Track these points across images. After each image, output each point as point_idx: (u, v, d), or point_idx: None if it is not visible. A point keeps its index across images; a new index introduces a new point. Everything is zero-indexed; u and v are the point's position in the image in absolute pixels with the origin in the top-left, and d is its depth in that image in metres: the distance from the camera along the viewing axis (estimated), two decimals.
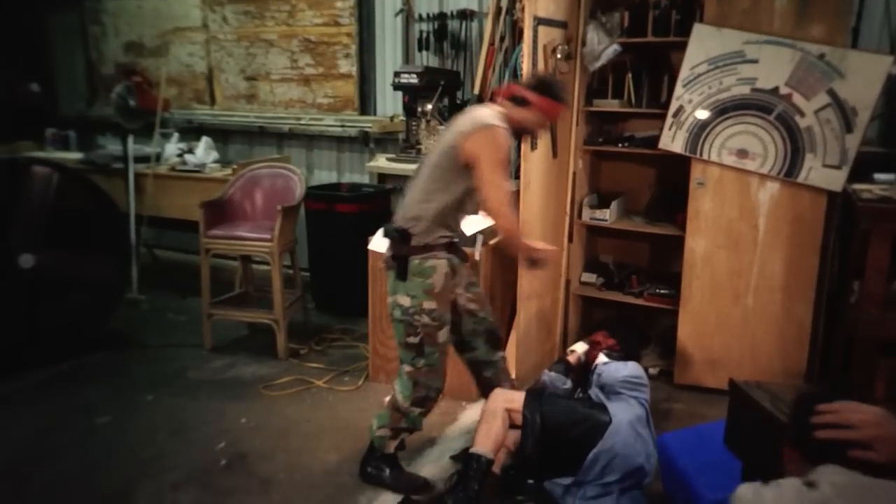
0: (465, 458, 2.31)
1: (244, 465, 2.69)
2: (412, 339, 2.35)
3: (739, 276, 3.23)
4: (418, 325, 2.33)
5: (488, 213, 2.36)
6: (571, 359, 2.82)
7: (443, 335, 2.39)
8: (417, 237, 2.32)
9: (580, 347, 2.86)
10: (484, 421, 2.36)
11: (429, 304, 2.32)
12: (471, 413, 3.12)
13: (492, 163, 2.22)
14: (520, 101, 2.38)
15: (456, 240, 2.45)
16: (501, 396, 2.43)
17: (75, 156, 4.97)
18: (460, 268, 2.48)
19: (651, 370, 3.50)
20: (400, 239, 2.33)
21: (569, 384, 2.72)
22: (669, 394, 3.35)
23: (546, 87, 2.41)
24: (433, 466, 2.70)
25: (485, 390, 2.70)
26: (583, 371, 2.74)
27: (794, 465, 1.37)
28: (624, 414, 2.39)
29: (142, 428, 2.96)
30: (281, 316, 3.65)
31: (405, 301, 2.34)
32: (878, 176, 2.98)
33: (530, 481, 2.43)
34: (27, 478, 2.59)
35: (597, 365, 2.66)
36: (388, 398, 2.54)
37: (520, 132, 2.47)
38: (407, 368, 2.41)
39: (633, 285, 3.69)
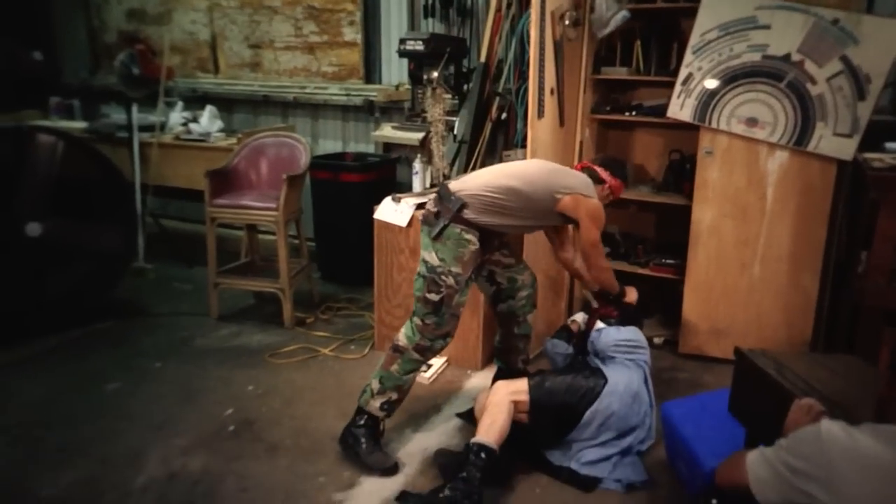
0: (467, 447, 2.28)
1: (251, 431, 2.72)
2: (432, 296, 2.41)
3: (746, 245, 3.22)
4: (443, 284, 2.39)
5: (591, 268, 2.68)
6: (573, 327, 2.86)
7: (458, 298, 2.44)
8: (470, 212, 2.42)
9: (580, 317, 2.91)
10: (488, 413, 2.34)
11: (456, 269, 2.40)
12: (475, 381, 3.14)
13: (596, 229, 2.55)
14: (597, 180, 2.67)
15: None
16: (505, 388, 2.42)
17: (79, 125, 4.95)
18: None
19: (656, 339, 3.51)
20: (454, 206, 2.40)
21: (570, 350, 2.76)
22: (674, 363, 3.36)
23: (616, 167, 2.77)
24: (438, 433, 2.73)
25: (504, 352, 2.82)
26: (583, 338, 2.76)
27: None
28: (619, 376, 2.45)
29: (150, 394, 3.00)
30: (287, 285, 3.67)
31: (433, 259, 2.42)
32: (890, 145, 2.94)
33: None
34: (38, 442, 2.63)
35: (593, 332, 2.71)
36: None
37: None
38: (417, 321, 2.46)
39: (639, 255, 3.69)
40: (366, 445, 2.47)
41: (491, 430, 2.29)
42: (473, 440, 2.28)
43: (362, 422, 2.51)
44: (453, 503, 2.14)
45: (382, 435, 2.57)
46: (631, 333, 2.65)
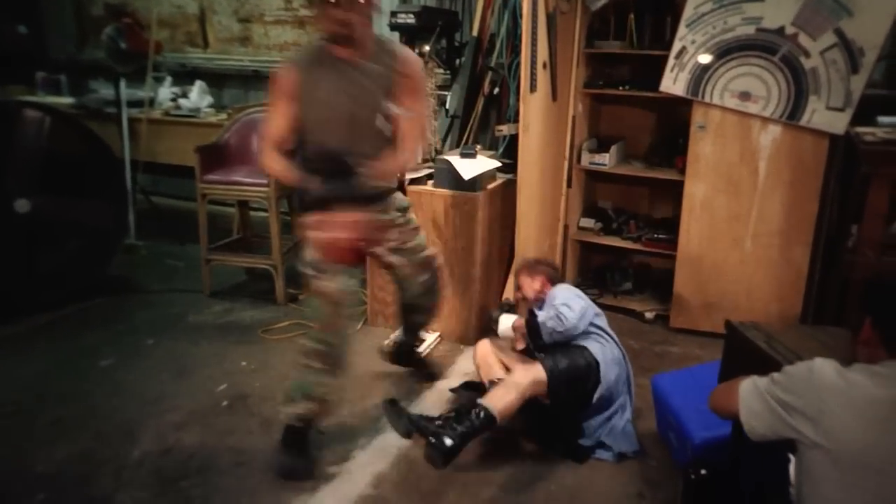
0: (475, 405, 2.24)
1: (245, 406, 2.73)
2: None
3: (738, 220, 3.23)
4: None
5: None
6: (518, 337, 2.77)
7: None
8: None
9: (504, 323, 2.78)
10: (507, 388, 2.29)
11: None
12: (468, 356, 3.16)
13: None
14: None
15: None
16: (526, 376, 2.32)
17: (67, 100, 4.89)
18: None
19: (648, 314, 3.54)
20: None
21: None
22: (665, 337, 3.39)
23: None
24: (431, 408, 2.75)
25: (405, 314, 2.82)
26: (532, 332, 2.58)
27: (869, 348, 1.39)
28: (597, 350, 2.42)
29: (144, 370, 3.00)
30: (279, 261, 3.66)
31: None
32: (882, 119, 2.94)
33: None
34: (32, 418, 2.64)
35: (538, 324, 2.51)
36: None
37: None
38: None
39: (631, 230, 3.69)
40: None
41: (502, 403, 2.24)
42: (483, 402, 2.24)
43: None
44: (432, 434, 2.17)
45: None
46: (567, 296, 2.54)
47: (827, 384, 1.33)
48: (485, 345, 2.70)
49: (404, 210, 2.53)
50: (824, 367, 1.36)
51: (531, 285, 2.74)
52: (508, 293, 3.24)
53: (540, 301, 2.67)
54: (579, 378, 2.35)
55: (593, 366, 2.37)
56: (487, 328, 2.95)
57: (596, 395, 2.38)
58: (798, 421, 1.35)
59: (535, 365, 2.36)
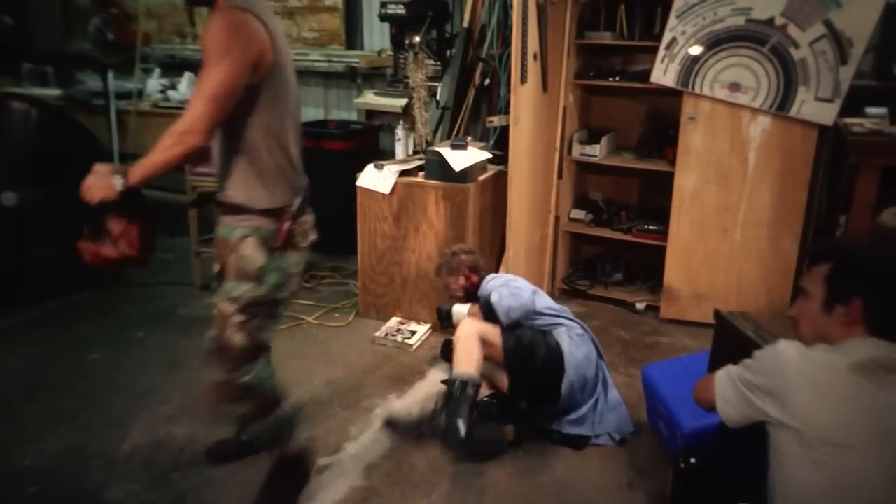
0: (450, 382, 2.31)
1: None
2: None
3: (728, 211, 3.24)
4: None
5: None
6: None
7: None
8: None
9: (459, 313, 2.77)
10: (462, 346, 2.36)
11: None
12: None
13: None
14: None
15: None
16: (472, 325, 2.44)
17: (54, 92, 4.84)
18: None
19: (638, 305, 3.55)
20: None
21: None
22: (656, 328, 3.40)
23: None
24: (422, 399, 2.75)
25: None
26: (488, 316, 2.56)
27: (838, 328, 1.41)
28: (564, 342, 2.42)
29: (134, 363, 2.99)
30: None
31: None
32: (870, 109, 2.96)
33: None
34: (22, 412, 2.62)
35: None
36: None
37: None
38: None
39: (622, 221, 3.70)
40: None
41: (469, 361, 2.30)
42: (454, 373, 2.30)
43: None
44: (444, 430, 2.20)
45: None
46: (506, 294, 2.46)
47: (790, 364, 1.37)
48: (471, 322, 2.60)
49: (225, 236, 1.86)
50: (788, 349, 1.40)
51: (456, 282, 2.75)
52: None
53: (472, 290, 2.68)
54: (534, 353, 2.37)
55: (554, 349, 2.38)
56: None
57: (565, 387, 2.38)
58: (764, 401, 1.40)
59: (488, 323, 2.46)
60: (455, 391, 2.27)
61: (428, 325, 3.31)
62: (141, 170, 1.75)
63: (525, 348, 2.37)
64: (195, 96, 1.70)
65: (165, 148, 1.71)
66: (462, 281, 2.74)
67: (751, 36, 3.01)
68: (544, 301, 2.58)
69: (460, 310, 2.74)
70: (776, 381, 1.38)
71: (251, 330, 1.87)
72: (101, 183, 1.73)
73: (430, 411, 2.46)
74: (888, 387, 1.30)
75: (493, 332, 2.42)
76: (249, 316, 1.86)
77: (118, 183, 1.73)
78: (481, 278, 2.68)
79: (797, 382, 1.35)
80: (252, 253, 1.83)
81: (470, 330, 2.41)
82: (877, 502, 1.30)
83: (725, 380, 1.53)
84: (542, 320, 2.50)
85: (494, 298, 2.44)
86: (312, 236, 2.10)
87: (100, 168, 1.76)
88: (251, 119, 1.78)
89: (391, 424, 2.44)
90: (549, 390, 2.41)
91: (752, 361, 1.47)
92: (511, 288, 2.46)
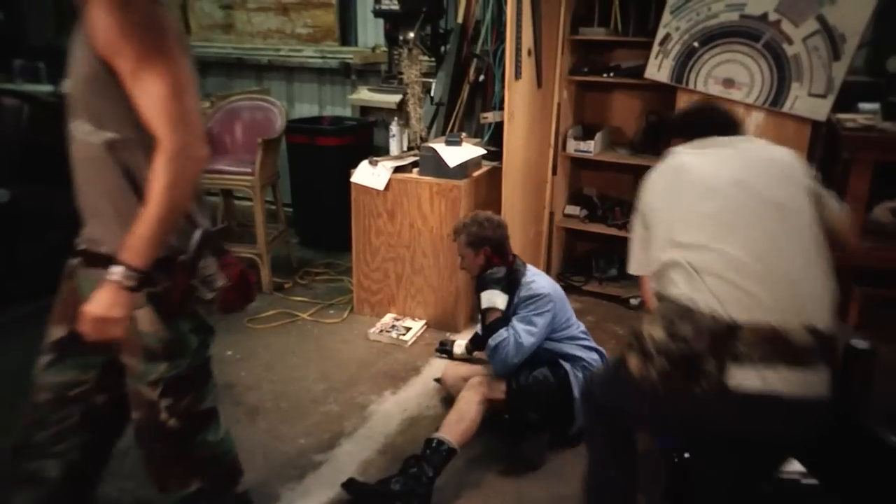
0: (427, 441, 2.19)
1: (231, 395, 2.73)
2: None
3: None
4: None
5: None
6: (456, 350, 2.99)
7: None
8: None
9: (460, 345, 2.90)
10: (457, 409, 2.27)
11: None
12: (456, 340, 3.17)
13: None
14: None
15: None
16: (479, 389, 2.31)
17: (46, 88, 4.78)
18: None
19: (632, 300, 3.56)
20: None
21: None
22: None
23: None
24: (417, 395, 2.76)
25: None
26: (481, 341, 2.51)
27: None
28: (574, 382, 2.37)
29: None
30: (264, 250, 3.64)
31: None
32: (863, 105, 2.96)
33: None
34: (15, 410, 2.61)
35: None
36: None
37: None
38: None
39: (616, 217, 3.70)
40: None
41: (456, 429, 2.20)
42: (435, 435, 2.19)
43: None
44: (399, 497, 2.06)
45: None
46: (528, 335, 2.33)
47: (650, 179, 1.69)
48: (452, 372, 2.65)
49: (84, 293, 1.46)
50: (649, 175, 1.70)
51: (475, 261, 2.46)
52: None
53: (484, 272, 2.43)
54: (545, 397, 2.30)
55: (566, 390, 2.32)
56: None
57: (573, 430, 2.36)
58: (639, 217, 1.68)
59: (494, 382, 2.34)
60: (428, 452, 2.15)
61: (423, 322, 3.31)
62: (138, 247, 1.31)
63: (532, 395, 2.30)
64: (151, 107, 1.30)
65: (164, 192, 1.28)
66: (481, 260, 2.45)
67: (744, 32, 3.01)
68: (564, 314, 2.46)
69: (462, 342, 2.74)
70: (642, 199, 1.69)
71: (186, 408, 1.52)
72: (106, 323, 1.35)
73: (388, 476, 2.19)
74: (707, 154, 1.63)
75: (501, 389, 2.33)
76: (177, 396, 1.50)
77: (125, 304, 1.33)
78: (509, 263, 2.45)
79: (652, 186, 1.68)
80: (149, 328, 1.42)
81: (476, 396, 2.29)
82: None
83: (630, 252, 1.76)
84: (554, 346, 2.41)
85: (492, 342, 2.30)
86: (220, 282, 1.52)
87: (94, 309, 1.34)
88: (133, 131, 1.35)
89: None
90: (559, 423, 2.38)
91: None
92: (522, 335, 2.30)
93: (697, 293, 1.41)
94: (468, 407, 2.27)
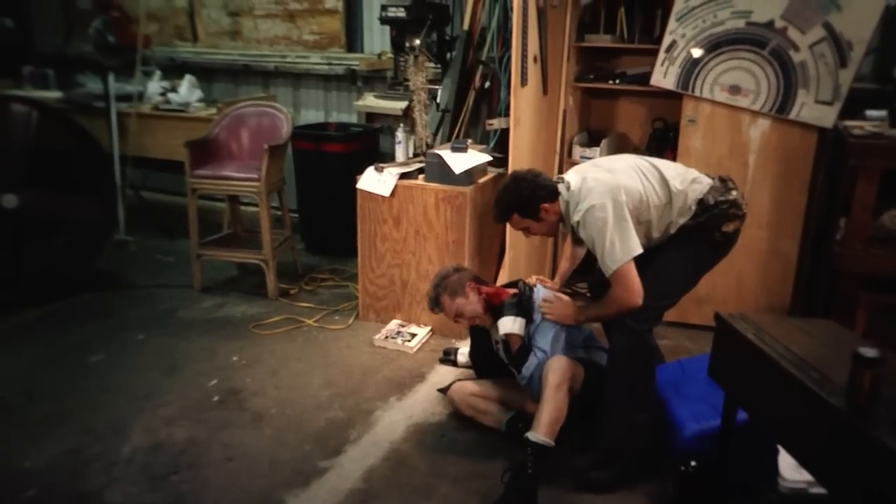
0: (526, 442, 2.13)
1: (236, 401, 2.73)
2: None
3: None
4: None
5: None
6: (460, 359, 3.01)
7: None
8: None
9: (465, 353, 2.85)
10: (551, 402, 2.17)
11: None
12: (460, 350, 3.17)
13: None
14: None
15: None
16: (564, 372, 2.22)
17: (54, 94, 4.83)
18: None
19: None
20: None
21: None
22: (655, 330, 3.38)
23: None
24: (422, 401, 2.75)
25: None
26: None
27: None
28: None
29: (134, 366, 2.98)
30: (270, 256, 3.65)
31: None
32: (870, 112, 2.95)
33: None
34: (21, 414, 2.62)
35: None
36: None
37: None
38: None
39: None
40: None
41: (553, 426, 2.15)
42: (534, 437, 2.13)
43: None
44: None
45: None
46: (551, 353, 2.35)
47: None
48: (459, 389, 2.60)
49: None
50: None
51: (466, 303, 2.43)
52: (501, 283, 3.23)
53: (495, 304, 2.42)
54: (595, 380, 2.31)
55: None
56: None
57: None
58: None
59: (557, 362, 2.26)
60: (529, 463, 2.08)
61: (428, 328, 3.31)
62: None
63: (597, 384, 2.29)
64: None
65: None
66: (473, 297, 2.43)
67: (751, 39, 3.01)
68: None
69: (466, 350, 2.70)
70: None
71: None
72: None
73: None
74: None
75: (580, 374, 2.30)
76: None
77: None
78: (500, 293, 2.44)
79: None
80: None
81: (563, 378, 2.20)
82: None
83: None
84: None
85: (534, 363, 2.32)
86: None
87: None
88: None
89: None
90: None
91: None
92: (545, 334, 2.38)
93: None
94: (563, 396, 2.19)
